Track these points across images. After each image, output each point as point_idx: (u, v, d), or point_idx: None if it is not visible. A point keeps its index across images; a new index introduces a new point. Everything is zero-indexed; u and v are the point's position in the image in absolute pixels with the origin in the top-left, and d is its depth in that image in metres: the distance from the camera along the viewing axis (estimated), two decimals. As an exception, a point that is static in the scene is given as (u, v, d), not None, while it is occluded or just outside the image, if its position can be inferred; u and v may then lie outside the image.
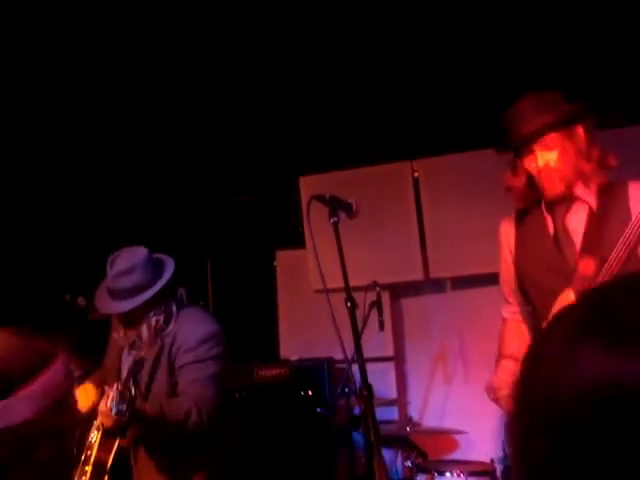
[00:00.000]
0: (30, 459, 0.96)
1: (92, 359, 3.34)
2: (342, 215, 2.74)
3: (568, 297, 2.40)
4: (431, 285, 5.26)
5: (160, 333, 2.97)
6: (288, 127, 5.47)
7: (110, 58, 4.65)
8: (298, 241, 5.43)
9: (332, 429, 4.60)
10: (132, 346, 3.04)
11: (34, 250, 5.16)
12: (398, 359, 5.22)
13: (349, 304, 2.45)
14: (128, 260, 2.96)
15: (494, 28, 4.46)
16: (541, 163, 2.51)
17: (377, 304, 4.35)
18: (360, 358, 2.33)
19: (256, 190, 5.85)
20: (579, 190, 2.56)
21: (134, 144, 5.40)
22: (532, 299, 2.71)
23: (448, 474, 3.71)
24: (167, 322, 2.98)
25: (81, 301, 3.60)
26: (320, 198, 2.71)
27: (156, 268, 3.01)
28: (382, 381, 5.05)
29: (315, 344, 5.02)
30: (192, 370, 2.90)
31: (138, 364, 3.03)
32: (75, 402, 1.09)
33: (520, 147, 2.56)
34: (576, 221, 2.56)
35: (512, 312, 2.85)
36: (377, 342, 4.84)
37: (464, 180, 4.90)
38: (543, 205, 2.64)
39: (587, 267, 2.44)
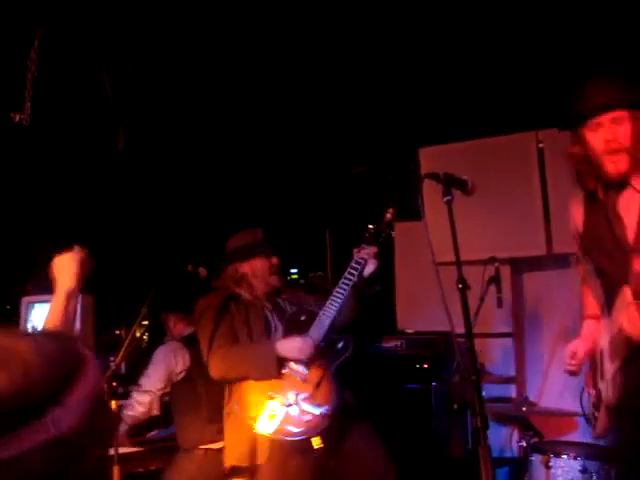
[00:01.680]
0: (81, 465, 0.97)
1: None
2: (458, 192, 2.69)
3: (627, 296, 2.44)
4: (555, 260, 5.06)
5: None
6: (409, 97, 5.40)
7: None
8: (417, 213, 5.35)
9: (447, 404, 4.56)
10: None
11: (162, 227, 5.49)
12: (518, 336, 5.08)
13: (460, 285, 2.40)
14: None
15: None
16: (610, 136, 2.52)
17: (495, 280, 4.27)
18: (470, 341, 2.29)
19: (376, 161, 5.83)
20: (634, 179, 2.53)
21: (251, 117, 5.51)
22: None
23: (565, 456, 3.55)
24: None
25: (202, 272, 3.71)
26: (434, 176, 2.66)
27: None
28: (501, 358, 4.95)
29: (434, 317, 4.95)
30: None
31: None
32: (107, 399, 1.08)
33: (590, 117, 2.55)
34: (626, 209, 2.54)
35: (586, 270, 2.83)
36: (496, 317, 4.75)
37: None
38: (600, 190, 2.65)
39: None
